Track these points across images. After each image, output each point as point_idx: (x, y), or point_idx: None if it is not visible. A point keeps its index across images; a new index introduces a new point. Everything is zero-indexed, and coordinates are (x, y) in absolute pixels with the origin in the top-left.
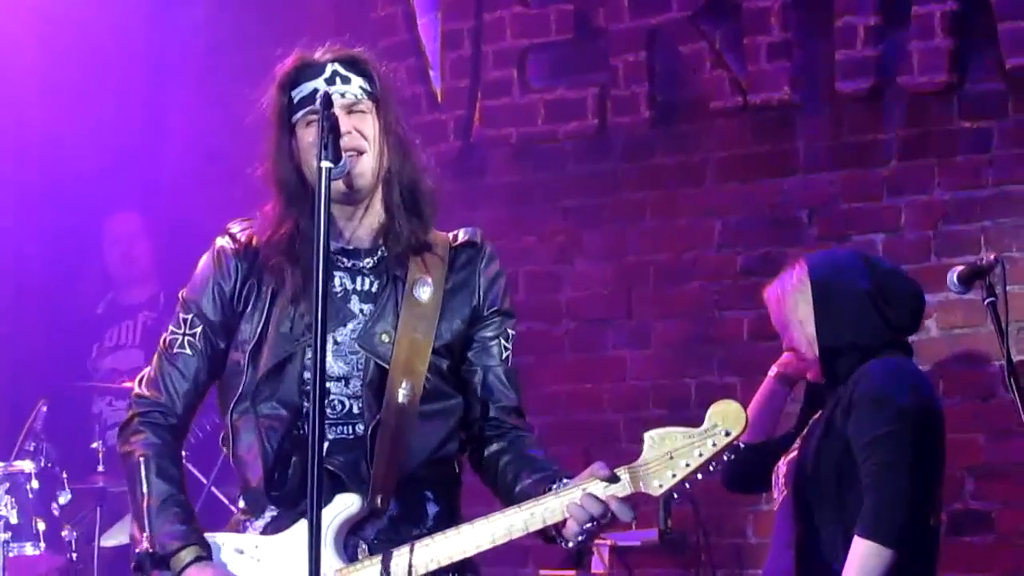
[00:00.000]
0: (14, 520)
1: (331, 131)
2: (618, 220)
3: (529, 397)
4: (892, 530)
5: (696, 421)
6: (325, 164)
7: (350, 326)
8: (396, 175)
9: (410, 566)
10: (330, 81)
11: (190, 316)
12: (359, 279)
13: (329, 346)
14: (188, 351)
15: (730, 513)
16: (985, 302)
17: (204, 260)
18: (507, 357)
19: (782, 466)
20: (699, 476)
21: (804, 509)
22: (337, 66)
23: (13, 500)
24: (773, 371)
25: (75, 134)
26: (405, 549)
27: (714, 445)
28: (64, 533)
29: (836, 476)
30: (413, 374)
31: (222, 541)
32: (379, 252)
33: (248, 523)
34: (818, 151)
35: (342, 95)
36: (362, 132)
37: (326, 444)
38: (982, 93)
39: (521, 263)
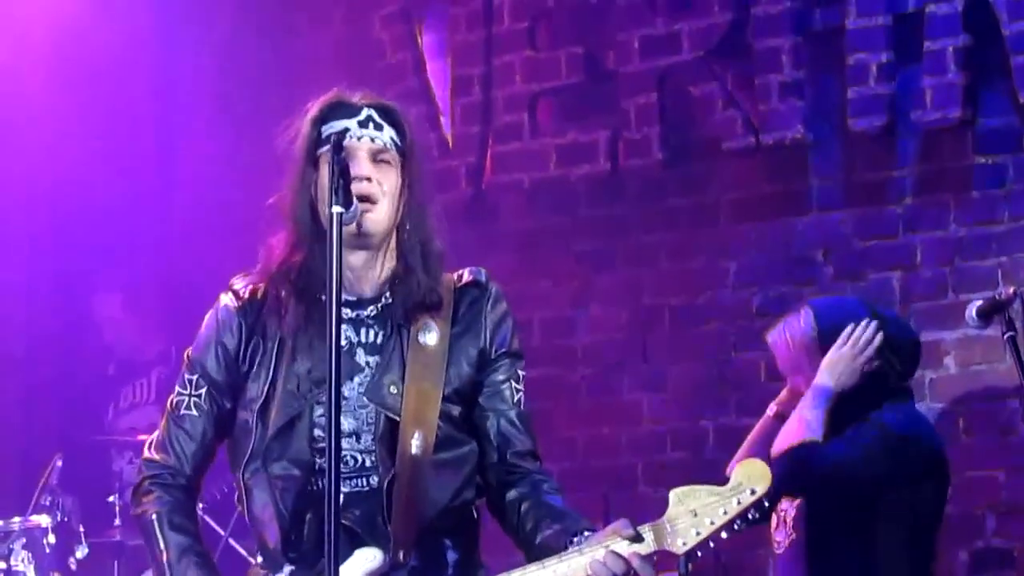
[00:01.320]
0: (31, 575)
1: (341, 175)
2: (632, 263)
3: (546, 442)
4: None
5: (714, 463)
6: (336, 209)
7: (357, 379)
8: (411, 231)
9: None
10: (363, 124)
11: (195, 377)
12: (363, 331)
13: None
14: (195, 412)
15: (750, 556)
16: (1005, 337)
17: (208, 318)
18: (519, 400)
19: (789, 508)
20: (723, 535)
21: (819, 550)
22: (372, 112)
23: (30, 555)
24: (772, 409)
25: (85, 186)
26: None
27: (739, 503)
28: None
29: (851, 517)
30: (424, 424)
31: None
32: (382, 300)
33: None
34: (832, 189)
35: (372, 140)
36: (381, 182)
37: (342, 498)
38: (996, 128)
39: (535, 308)
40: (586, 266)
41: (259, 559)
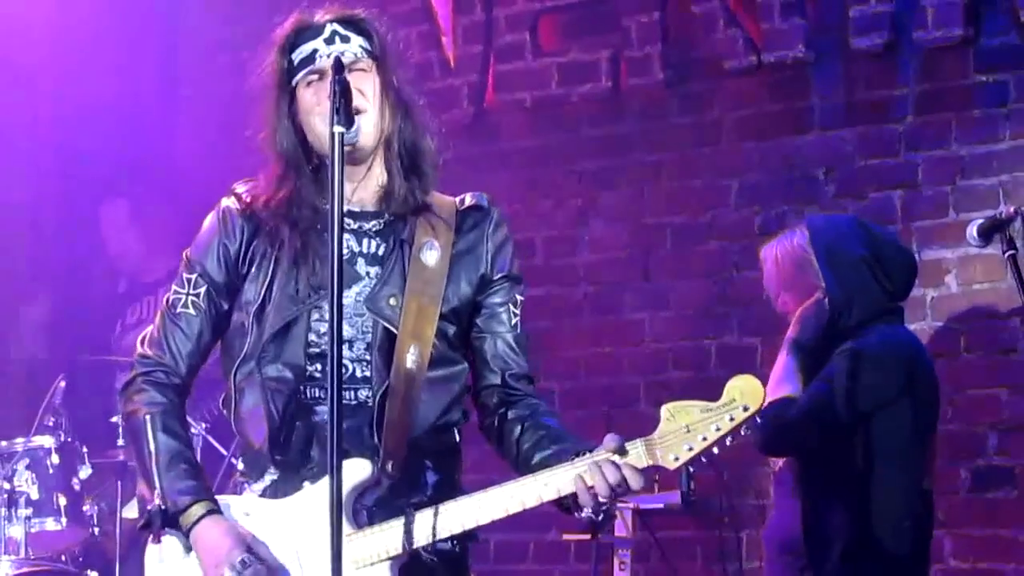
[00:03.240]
0: (35, 495)
1: (343, 95)
2: (634, 182)
3: (548, 361)
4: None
5: (716, 382)
6: (337, 129)
7: (356, 288)
8: (396, 134)
9: (434, 528)
10: (329, 40)
11: (194, 276)
12: (365, 241)
13: None
14: (192, 311)
15: (753, 475)
16: (1005, 255)
17: (209, 220)
18: (516, 323)
19: None
20: (715, 450)
21: (807, 467)
22: (336, 26)
23: (34, 475)
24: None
25: (88, 105)
26: (416, 516)
27: (732, 419)
28: (85, 507)
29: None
30: (421, 339)
31: (227, 503)
32: (385, 215)
33: (247, 484)
34: (833, 108)
35: (341, 54)
36: (362, 91)
37: (327, 409)
38: (997, 46)
39: (537, 228)
40: (588, 185)
41: (240, 465)
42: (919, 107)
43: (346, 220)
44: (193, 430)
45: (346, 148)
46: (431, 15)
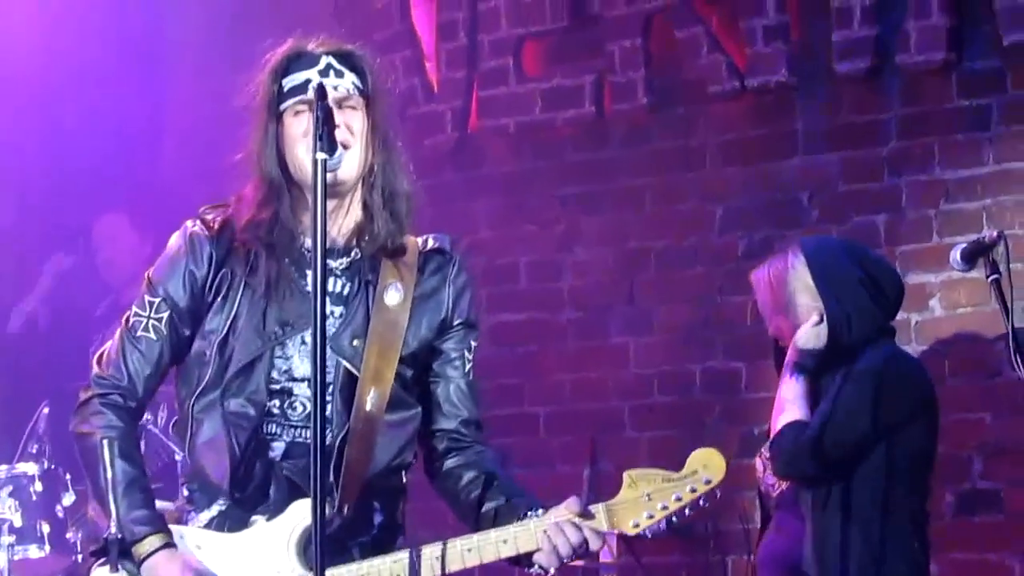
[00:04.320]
0: (18, 523)
1: (326, 122)
2: (618, 207)
3: (533, 386)
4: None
5: (701, 406)
6: (320, 156)
7: None
8: (379, 174)
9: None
10: (324, 73)
11: (157, 300)
12: (332, 280)
13: (298, 345)
14: (152, 335)
15: (738, 499)
16: (989, 279)
17: (175, 243)
18: (470, 370)
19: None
20: (674, 519)
21: (820, 490)
22: (331, 59)
23: (17, 503)
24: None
25: (72, 131)
26: (388, 559)
27: (693, 491)
28: (69, 535)
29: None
30: (381, 382)
31: (181, 533)
32: (352, 253)
33: (193, 512)
34: (817, 133)
35: (334, 88)
36: (350, 127)
37: (283, 446)
38: (980, 70)
39: (521, 252)
40: (572, 210)
41: (184, 492)
42: (902, 131)
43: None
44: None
45: (328, 181)
46: (415, 40)
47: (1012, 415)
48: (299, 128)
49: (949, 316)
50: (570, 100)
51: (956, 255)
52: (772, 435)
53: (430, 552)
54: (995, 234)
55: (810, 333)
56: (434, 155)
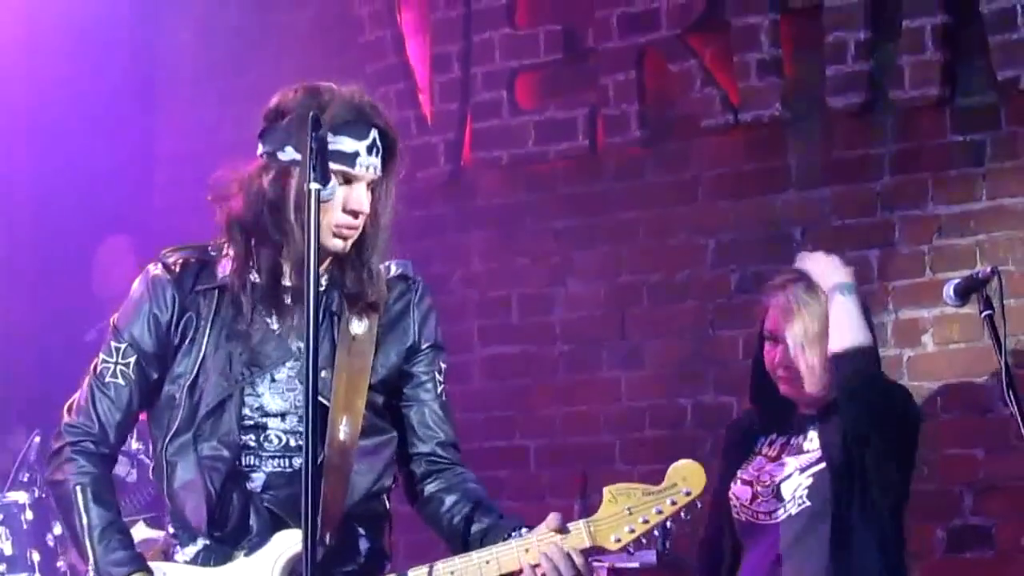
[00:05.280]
0: (9, 551)
1: (319, 153)
2: (610, 240)
3: (523, 419)
4: None
5: (692, 440)
6: (314, 186)
7: (288, 364)
8: (366, 248)
9: None
10: (370, 151)
11: (123, 345)
12: (296, 317)
13: (267, 383)
14: (121, 381)
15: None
16: (982, 315)
17: (137, 288)
18: (442, 391)
19: (797, 477)
20: (655, 533)
21: (841, 518)
22: (377, 136)
23: (8, 531)
24: None
25: (65, 159)
26: None
27: (673, 503)
28: (59, 564)
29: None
30: (352, 411)
31: (163, 571)
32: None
33: (177, 547)
34: (810, 167)
35: (374, 170)
36: (362, 211)
37: (263, 477)
38: (974, 106)
39: (513, 285)
40: (564, 243)
41: (170, 528)
42: (896, 166)
43: (284, 296)
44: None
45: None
46: (409, 72)
47: (1004, 451)
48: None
49: (942, 352)
50: (563, 133)
51: (949, 291)
52: (843, 350)
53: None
54: (988, 270)
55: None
56: (427, 187)
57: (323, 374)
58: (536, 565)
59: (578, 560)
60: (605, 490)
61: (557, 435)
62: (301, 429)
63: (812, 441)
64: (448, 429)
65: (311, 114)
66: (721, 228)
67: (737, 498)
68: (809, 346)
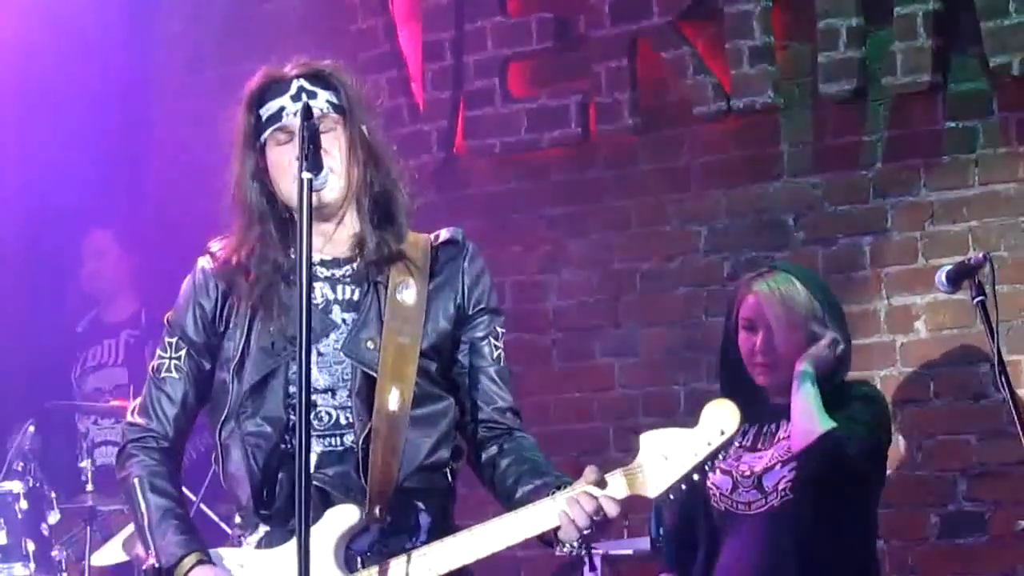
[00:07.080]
0: (3, 541)
1: (311, 141)
2: (603, 228)
3: None
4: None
5: (687, 427)
6: (306, 175)
7: (333, 336)
8: (366, 187)
9: (422, 569)
10: (296, 97)
11: (175, 339)
12: (339, 288)
13: (313, 358)
14: (175, 374)
15: None
16: (974, 301)
17: (186, 282)
18: (499, 356)
19: (781, 471)
20: (695, 476)
21: (818, 511)
22: (303, 81)
23: (2, 521)
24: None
25: (54, 151)
26: (403, 558)
27: (709, 444)
28: (54, 553)
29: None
30: (402, 379)
31: (222, 555)
32: (357, 260)
33: (243, 537)
34: (803, 154)
35: (300, 112)
36: (327, 150)
37: (314, 457)
38: (966, 92)
39: (507, 273)
40: (557, 231)
41: (236, 519)
42: (888, 153)
43: (320, 270)
44: None
45: (314, 203)
46: (400, 61)
47: (997, 437)
48: (283, 158)
49: (934, 338)
50: (556, 121)
51: (941, 277)
52: (810, 441)
53: (457, 541)
54: (981, 256)
55: (826, 352)
56: (419, 175)
57: (370, 344)
58: (573, 519)
59: (611, 509)
60: (640, 437)
61: (551, 422)
62: (351, 403)
63: (785, 430)
64: (505, 394)
65: (304, 104)
66: (714, 215)
67: (716, 487)
68: (790, 330)
